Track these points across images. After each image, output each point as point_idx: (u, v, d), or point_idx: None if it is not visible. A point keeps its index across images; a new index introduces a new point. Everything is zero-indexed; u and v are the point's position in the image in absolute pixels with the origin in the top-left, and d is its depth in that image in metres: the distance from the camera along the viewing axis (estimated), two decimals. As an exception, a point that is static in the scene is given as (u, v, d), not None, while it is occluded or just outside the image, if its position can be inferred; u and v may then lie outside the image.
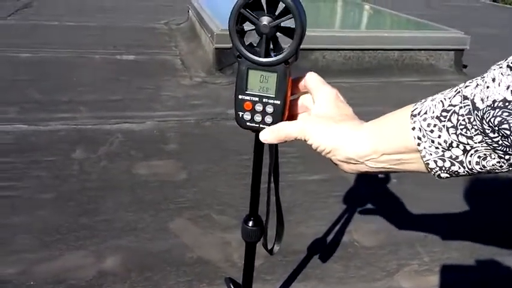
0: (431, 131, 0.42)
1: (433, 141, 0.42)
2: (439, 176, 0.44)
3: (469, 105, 0.40)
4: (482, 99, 0.38)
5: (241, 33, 0.51)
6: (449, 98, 0.42)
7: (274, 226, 0.70)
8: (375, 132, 0.48)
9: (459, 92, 0.41)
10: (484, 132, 0.39)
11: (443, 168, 0.43)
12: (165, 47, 3.86)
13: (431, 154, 0.43)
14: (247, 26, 0.51)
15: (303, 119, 0.53)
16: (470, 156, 0.41)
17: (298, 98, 0.55)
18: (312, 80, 0.53)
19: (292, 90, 0.54)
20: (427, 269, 1.44)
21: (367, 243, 1.54)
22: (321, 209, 1.71)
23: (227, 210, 1.67)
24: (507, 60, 0.38)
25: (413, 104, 0.45)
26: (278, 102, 0.52)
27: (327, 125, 0.49)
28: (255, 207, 0.69)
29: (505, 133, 0.37)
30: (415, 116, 0.44)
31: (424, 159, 0.44)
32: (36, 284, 1.29)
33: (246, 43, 0.51)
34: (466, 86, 0.41)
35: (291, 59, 0.50)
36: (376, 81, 3.27)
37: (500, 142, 0.38)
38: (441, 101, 0.42)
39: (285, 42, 0.51)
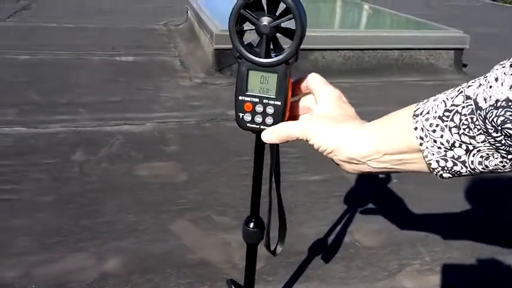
0: (434, 131, 0.42)
1: (435, 141, 0.42)
2: (441, 176, 0.44)
3: (471, 104, 0.39)
4: (485, 99, 0.38)
5: (241, 34, 0.51)
6: (452, 98, 0.41)
7: (276, 227, 0.70)
8: (377, 132, 0.47)
9: (462, 91, 0.41)
10: (487, 132, 0.38)
11: (446, 168, 0.43)
12: (164, 48, 3.86)
13: (433, 154, 0.43)
14: (247, 27, 0.50)
15: (305, 119, 0.53)
16: (473, 156, 0.41)
17: (299, 99, 0.55)
18: (314, 81, 0.53)
19: (294, 92, 0.54)
20: (428, 269, 1.44)
21: (368, 243, 1.54)
22: (323, 209, 1.71)
23: (228, 211, 1.67)
24: (510, 60, 0.38)
25: (416, 104, 0.45)
26: (279, 103, 0.52)
27: (329, 125, 0.49)
28: (256, 208, 0.68)
29: (508, 132, 0.37)
30: (417, 116, 0.43)
31: (427, 159, 0.43)
32: (37, 287, 1.28)
33: (246, 44, 0.51)
34: (469, 86, 0.41)
35: (292, 60, 0.50)
36: (376, 81, 3.27)
37: (503, 142, 0.38)
38: (443, 100, 0.42)
39: (285, 43, 0.51)
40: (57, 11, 5.10)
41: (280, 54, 0.50)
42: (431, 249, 1.53)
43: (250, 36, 0.51)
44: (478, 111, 0.38)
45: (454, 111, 0.41)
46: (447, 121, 0.41)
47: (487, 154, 0.40)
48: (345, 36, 3.40)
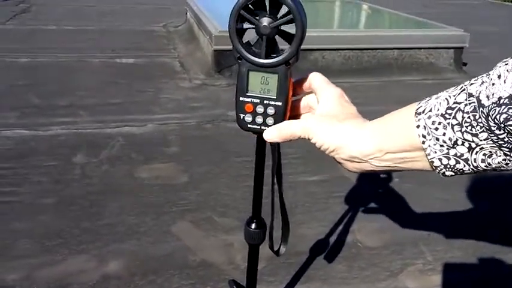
0: (436, 129, 0.42)
1: (437, 139, 0.42)
2: (443, 174, 0.44)
3: (474, 102, 0.39)
4: (487, 96, 0.38)
5: (242, 35, 0.51)
6: (454, 96, 0.41)
7: (277, 227, 0.70)
8: (379, 130, 0.47)
9: (464, 89, 0.41)
10: (489, 130, 0.38)
11: (448, 166, 0.43)
12: (164, 49, 3.86)
13: (436, 152, 0.43)
14: (248, 27, 0.50)
15: (307, 118, 0.53)
16: (476, 153, 0.41)
17: (301, 98, 0.55)
18: (316, 80, 0.53)
19: (296, 91, 0.53)
20: (431, 269, 1.44)
21: (370, 243, 1.54)
22: (323, 209, 1.71)
23: (229, 212, 1.67)
24: (513, 57, 0.38)
25: (418, 102, 0.45)
26: (279, 103, 0.52)
27: (331, 123, 0.49)
28: (258, 209, 0.68)
29: (511, 130, 0.37)
30: (419, 114, 0.43)
31: (429, 157, 0.43)
32: (38, 290, 1.28)
33: (246, 44, 0.51)
34: (471, 84, 0.41)
35: (292, 60, 0.50)
36: (376, 80, 3.27)
37: (506, 139, 0.38)
38: (446, 98, 0.42)
39: (285, 43, 0.50)
40: (57, 13, 5.11)
41: (281, 54, 0.50)
42: (434, 248, 1.53)
43: (250, 37, 0.51)
44: (481, 109, 0.38)
45: (457, 108, 0.40)
46: (449, 119, 0.41)
47: (490, 152, 0.40)
48: (345, 36, 3.40)
